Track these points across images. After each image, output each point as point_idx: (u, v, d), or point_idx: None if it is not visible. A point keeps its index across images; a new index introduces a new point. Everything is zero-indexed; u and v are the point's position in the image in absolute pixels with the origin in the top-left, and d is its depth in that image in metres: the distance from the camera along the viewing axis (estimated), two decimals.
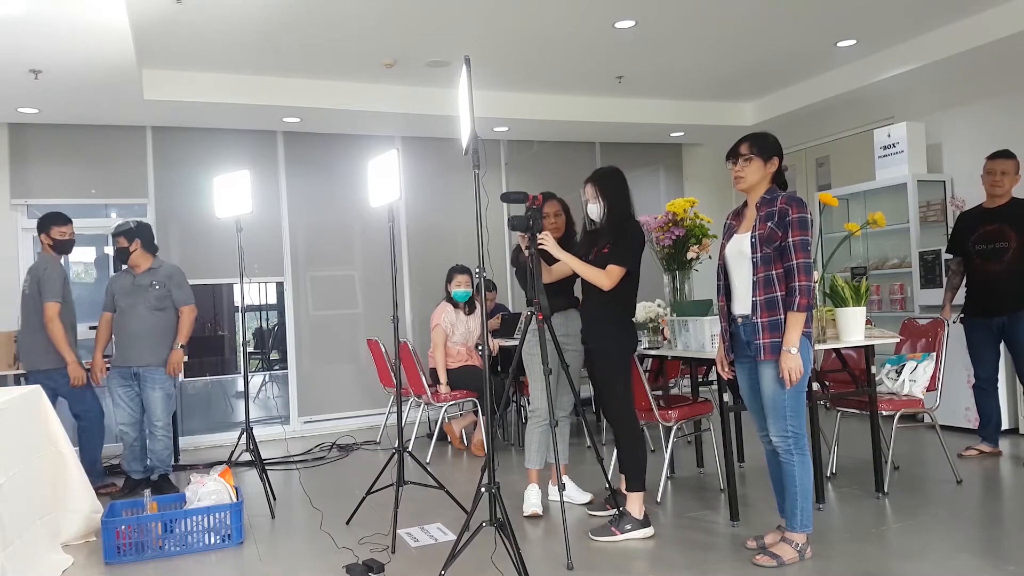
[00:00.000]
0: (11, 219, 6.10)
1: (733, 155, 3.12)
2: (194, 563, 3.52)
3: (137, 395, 4.72)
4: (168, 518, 3.65)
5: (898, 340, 4.31)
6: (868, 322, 3.96)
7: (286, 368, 6.95)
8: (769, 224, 2.97)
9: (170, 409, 4.78)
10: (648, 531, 3.50)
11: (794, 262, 2.92)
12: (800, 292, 2.90)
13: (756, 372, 3.08)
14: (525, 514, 3.86)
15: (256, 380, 8.62)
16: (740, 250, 3.07)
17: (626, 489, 3.59)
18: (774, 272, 2.96)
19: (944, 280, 5.33)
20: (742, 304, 3.07)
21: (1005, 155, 4.59)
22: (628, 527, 3.47)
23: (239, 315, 5.02)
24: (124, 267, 4.86)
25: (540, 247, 3.51)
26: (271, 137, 6.83)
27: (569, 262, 3.59)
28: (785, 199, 2.99)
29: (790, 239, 2.93)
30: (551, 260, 3.70)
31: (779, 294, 2.95)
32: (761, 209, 3.03)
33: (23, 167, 6.10)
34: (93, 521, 3.80)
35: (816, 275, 3.81)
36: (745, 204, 3.18)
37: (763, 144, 3.08)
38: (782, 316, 2.95)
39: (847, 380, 4.23)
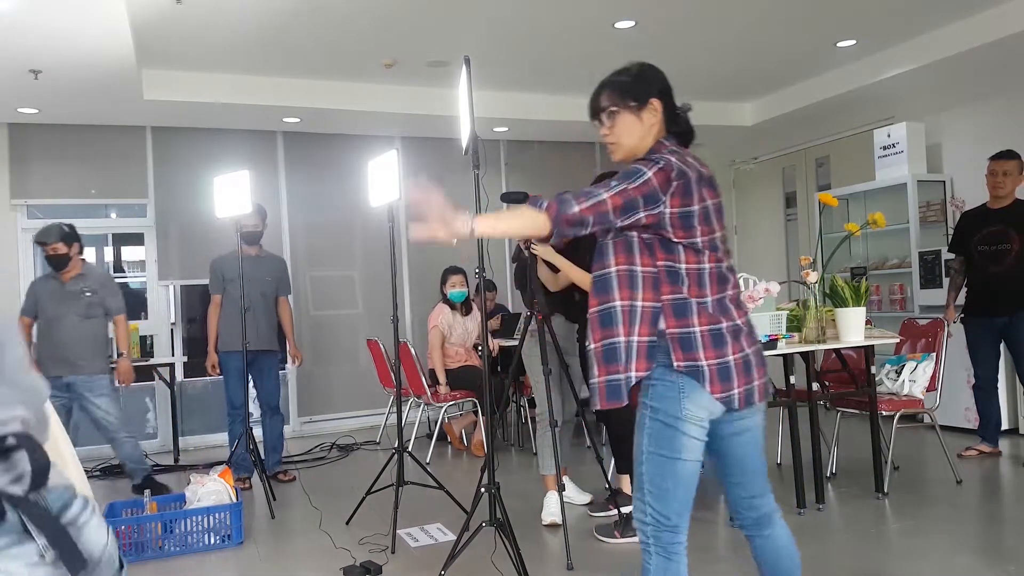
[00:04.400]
0: (11, 219, 6.10)
1: (595, 113, 2.14)
2: (194, 563, 3.52)
3: (65, 407, 4.40)
4: (168, 518, 3.65)
5: (898, 340, 4.31)
6: (868, 322, 3.96)
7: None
8: None
9: (119, 408, 4.61)
10: None
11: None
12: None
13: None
14: (544, 522, 3.79)
15: None
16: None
17: (631, 492, 3.57)
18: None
19: (946, 280, 5.33)
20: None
21: (1007, 155, 4.58)
22: (631, 534, 3.45)
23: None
24: (48, 271, 4.59)
25: (531, 249, 3.50)
26: (271, 137, 6.83)
27: (560, 265, 3.58)
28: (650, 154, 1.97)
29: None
30: (555, 266, 3.69)
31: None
32: None
33: (23, 167, 6.10)
34: None
35: (815, 275, 3.84)
36: None
37: (627, 87, 2.03)
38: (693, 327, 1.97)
39: (847, 380, 4.23)
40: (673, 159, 1.89)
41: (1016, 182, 4.57)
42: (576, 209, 1.84)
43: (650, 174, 1.86)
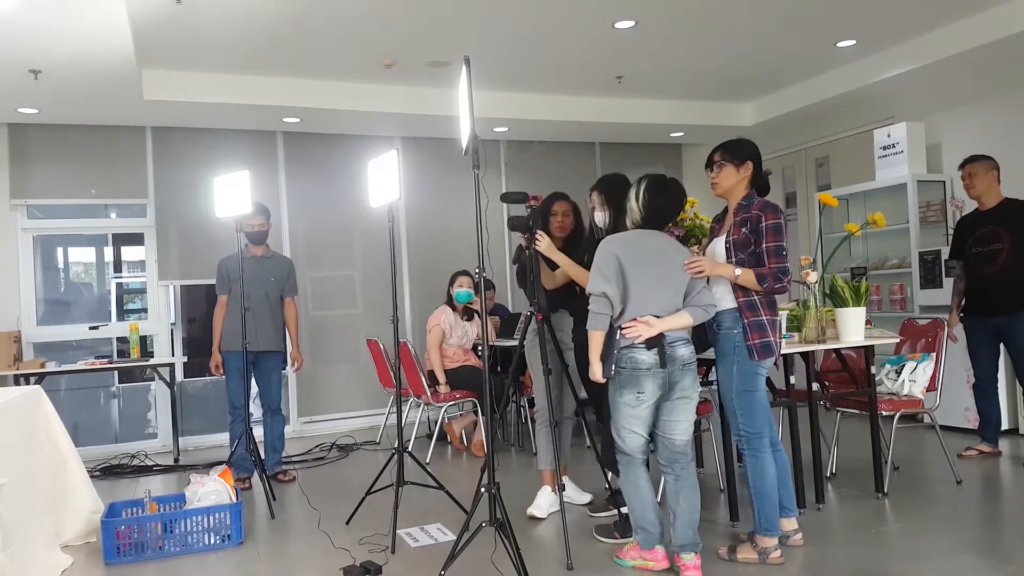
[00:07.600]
0: (11, 219, 6.10)
1: (709, 163, 3.21)
2: (194, 563, 3.52)
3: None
4: (168, 518, 3.65)
5: (898, 340, 4.30)
6: (868, 322, 3.96)
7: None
8: (743, 230, 3.06)
9: None
10: None
11: (766, 268, 3.02)
12: (773, 277, 3.01)
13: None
14: (527, 513, 3.83)
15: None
16: (716, 252, 3.18)
17: None
18: None
19: (947, 282, 5.32)
20: (720, 303, 3.12)
21: (970, 160, 4.70)
22: (631, 534, 3.44)
23: None
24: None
25: (535, 247, 3.51)
26: (271, 137, 6.83)
27: (561, 262, 3.59)
28: (759, 205, 3.07)
29: (763, 245, 3.03)
30: (553, 264, 3.69)
31: (756, 297, 3.06)
32: (737, 214, 3.13)
33: (23, 167, 6.10)
34: (93, 521, 3.80)
35: (815, 275, 3.84)
36: (726, 209, 3.26)
37: (735, 150, 3.14)
38: (764, 316, 3.05)
39: (847, 380, 4.23)
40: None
41: (984, 182, 4.63)
42: (783, 284, 3.05)
43: (782, 221, 3.07)
